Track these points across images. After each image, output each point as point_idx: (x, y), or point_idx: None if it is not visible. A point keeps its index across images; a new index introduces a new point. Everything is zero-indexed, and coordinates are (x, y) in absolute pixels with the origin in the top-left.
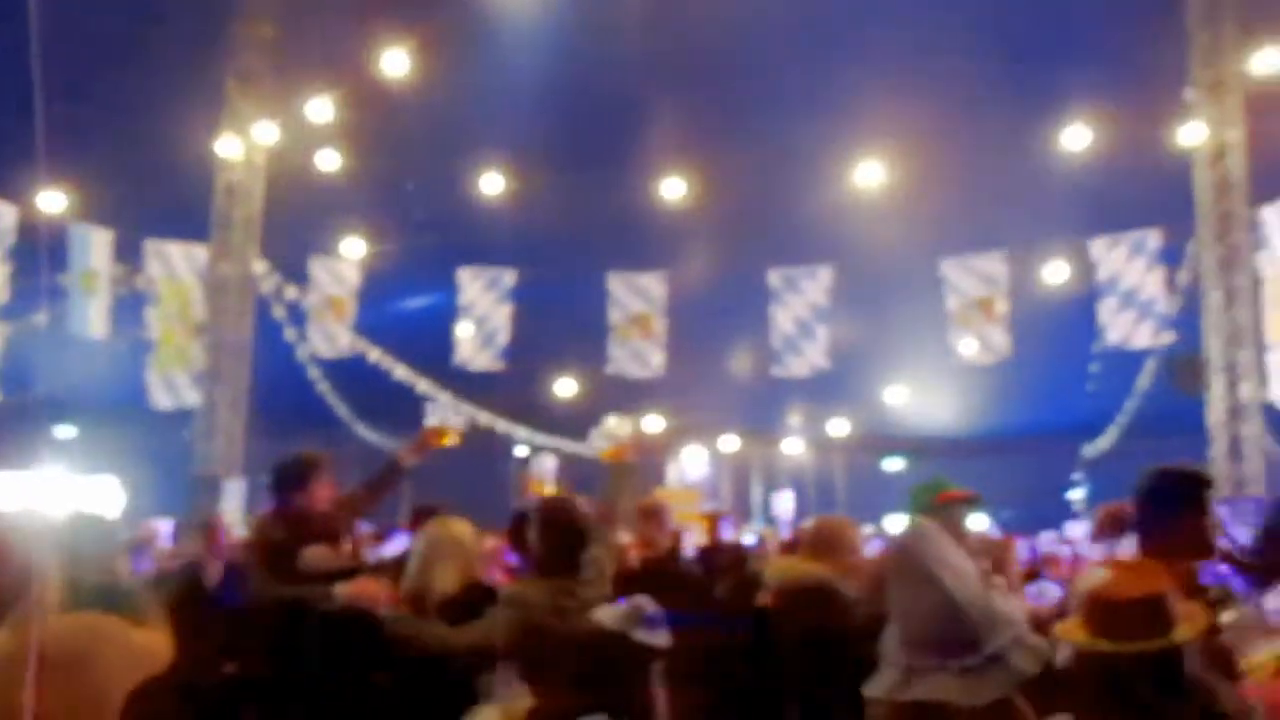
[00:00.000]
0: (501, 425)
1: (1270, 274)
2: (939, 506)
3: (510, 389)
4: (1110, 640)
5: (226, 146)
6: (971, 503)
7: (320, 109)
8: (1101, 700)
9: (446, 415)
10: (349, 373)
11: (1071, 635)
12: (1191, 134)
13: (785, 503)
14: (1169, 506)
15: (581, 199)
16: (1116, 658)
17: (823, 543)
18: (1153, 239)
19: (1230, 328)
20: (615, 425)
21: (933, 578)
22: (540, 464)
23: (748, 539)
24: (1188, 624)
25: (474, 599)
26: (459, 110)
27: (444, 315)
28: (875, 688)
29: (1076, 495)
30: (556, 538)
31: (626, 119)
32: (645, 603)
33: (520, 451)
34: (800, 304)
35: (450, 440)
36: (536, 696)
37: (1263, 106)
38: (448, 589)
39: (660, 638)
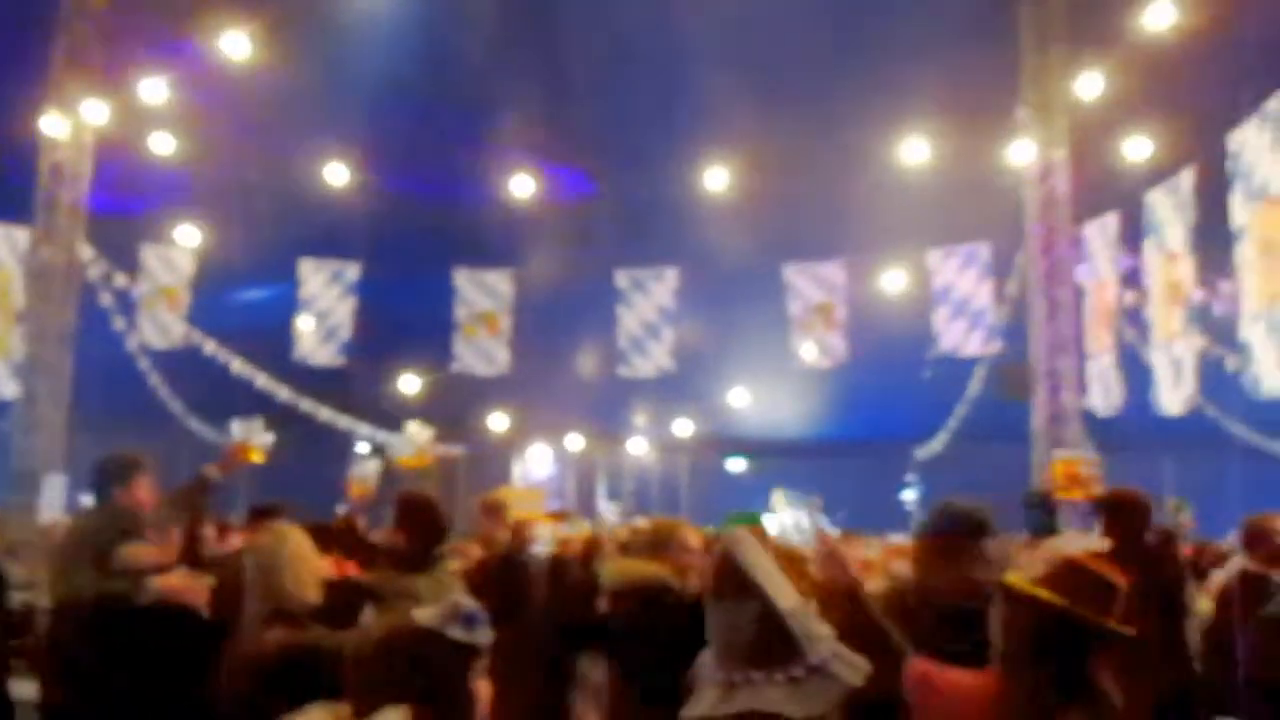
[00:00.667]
0: (343, 422)
1: (1091, 287)
2: None
3: (352, 385)
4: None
5: (52, 125)
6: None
7: (154, 89)
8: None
9: (252, 431)
10: (182, 365)
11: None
12: (1021, 152)
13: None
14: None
15: (429, 194)
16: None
17: (659, 543)
18: (984, 251)
19: (1053, 338)
20: (416, 432)
21: (754, 586)
22: (364, 464)
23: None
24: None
25: (348, 598)
26: (304, 97)
27: (284, 308)
28: (696, 707)
29: (909, 496)
30: (420, 532)
31: (476, 114)
32: (464, 600)
33: (362, 449)
34: (647, 305)
35: (256, 457)
36: (351, 694)
37: (1086, 128)
38: (304, 596)
39: (481, 635)
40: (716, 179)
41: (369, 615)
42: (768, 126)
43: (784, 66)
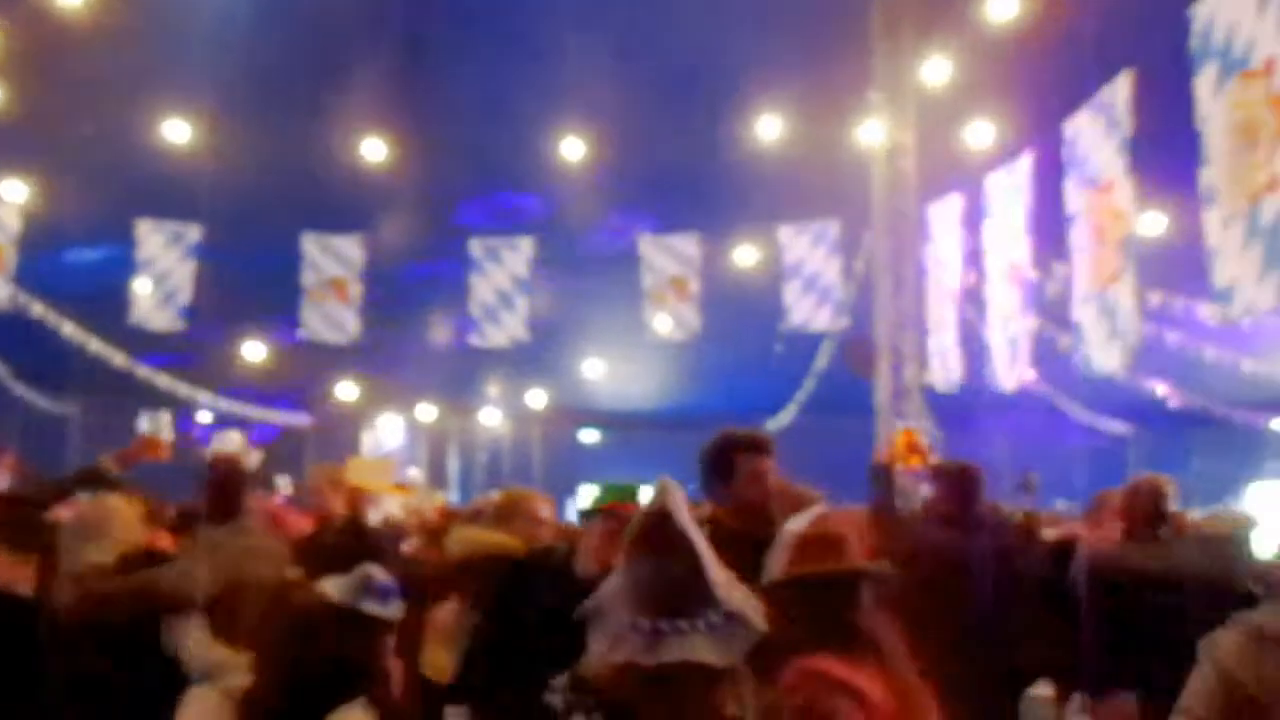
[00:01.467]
0: (183, 390)
1: (934, 267)
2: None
3: (193, 351)
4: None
5: None
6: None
7: None
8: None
9: (160, 426)
10: (8, 329)
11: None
12: (870, 133)
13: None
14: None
15: (276, 154)
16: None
17: (507, 513)
18: (833, 229)
19: (897, 315)
20: (152, 423)
21: (686, 540)
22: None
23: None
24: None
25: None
26: (143, 50)
27: (120, 270)
28: (615, 653)
29: None
30: (223, 487)
31: (326, 73)
32: (375, 571)
33: (204, 417)
34: (501, 274)
35: (164, 454)
36: (255, 671)
37: (933, 112)
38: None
39: (392, 609)
40: (573, 149)
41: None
42: (626, 98)
43: (644, 38)
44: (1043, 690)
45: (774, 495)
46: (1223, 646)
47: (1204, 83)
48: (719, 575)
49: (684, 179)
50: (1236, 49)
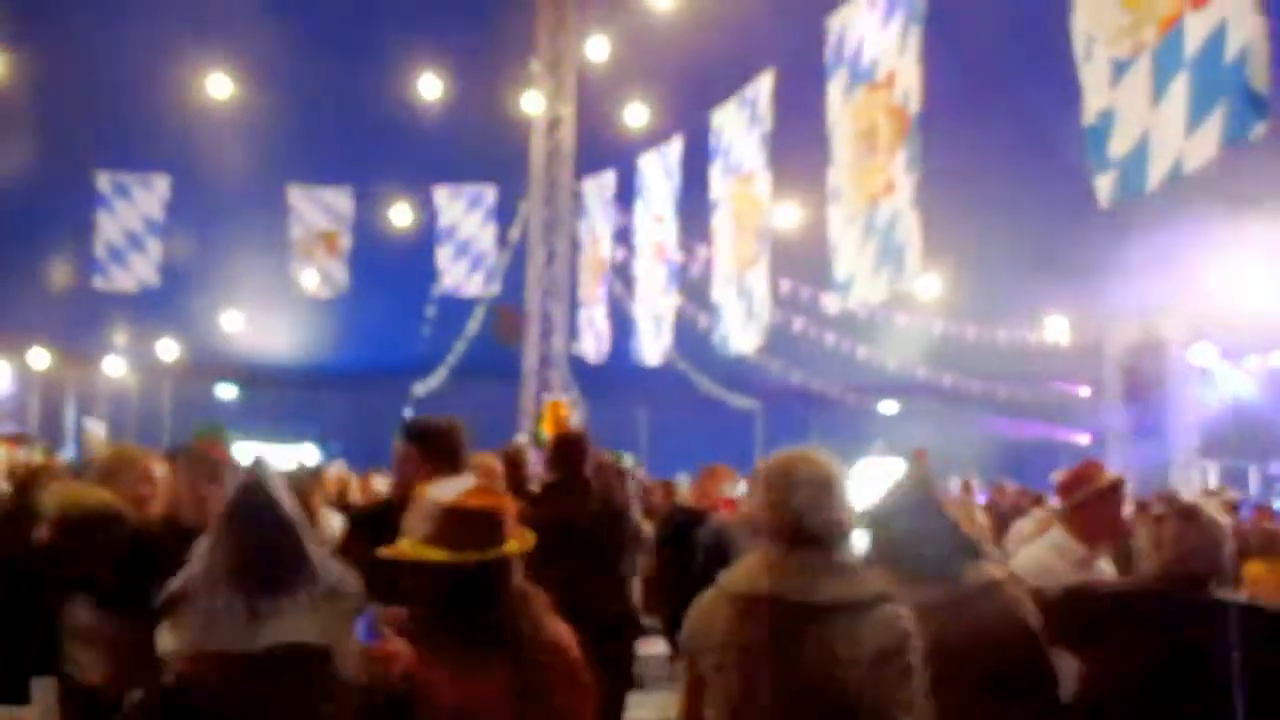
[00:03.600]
0: None
1: (587, 240)
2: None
3: None
4: (451, 550)
5: None
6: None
7: None
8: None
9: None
10: None
11: (412, 552)
12: (532, 103)
13: (97, 429)
14: None
15: None
16: (458, 567)
17: (113, 470)
18: (489, 195)
19: (549, 285)
20: None
21: (281, 507)
22: None
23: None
24: (517, 540)
25: None
26: None
27: None
28: (207, 638)
29: None
30: None
31: None
32: None
33: None
34: (131, 214)
35: None
36: None
37: (593, 88)
38: None
39: None
40: (220, 86)
41: None
42: (284, 41)
43: None
44: (659, 649)
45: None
46: (700, 605)
47: (835, 89)
48: (315, 548)
49: (340, 131)
50: (864, 61)
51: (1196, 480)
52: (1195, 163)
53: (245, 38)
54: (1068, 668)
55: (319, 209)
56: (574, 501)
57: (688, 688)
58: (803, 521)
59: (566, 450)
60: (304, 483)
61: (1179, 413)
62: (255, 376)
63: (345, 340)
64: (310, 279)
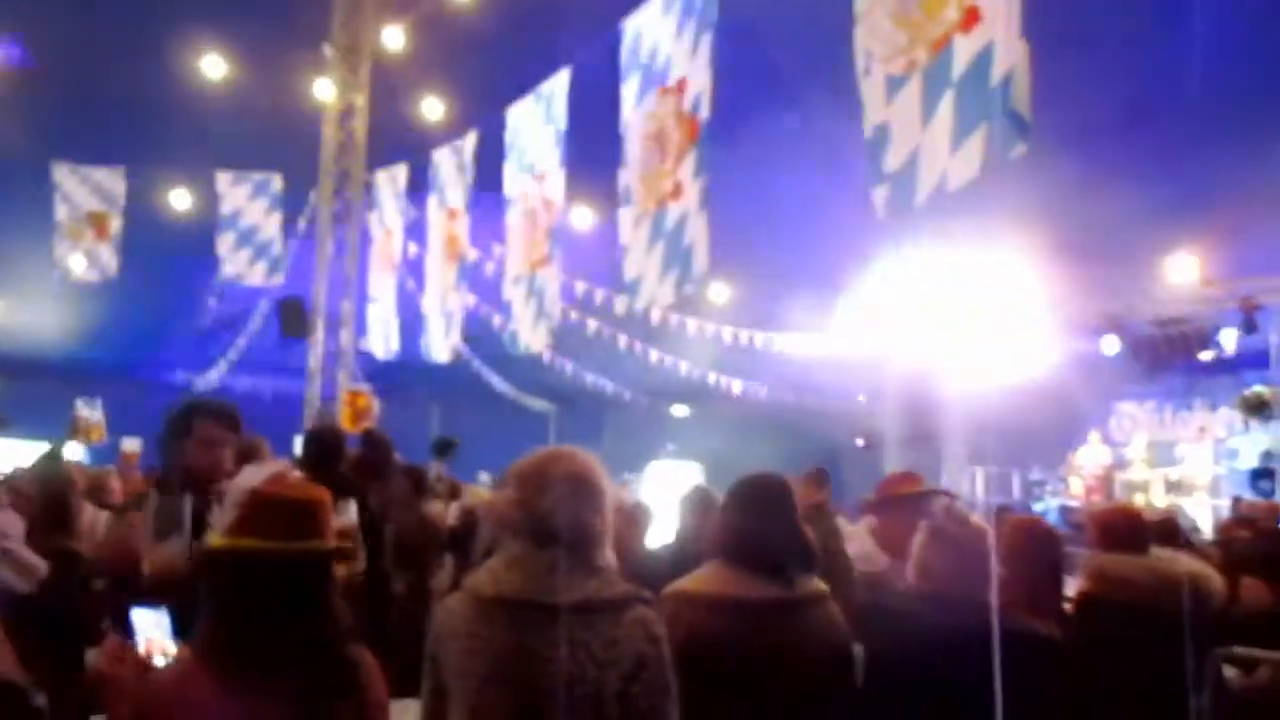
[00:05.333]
0: None
1: (378, 233)
2: None
3: None
4: (261, 539)
5: None
6: None
7: None
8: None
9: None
10: None
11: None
12: (324, 90)
13: None
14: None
15: None
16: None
17: None
18: (276, 183)
19: (337, 278)
20: None
21: None
22: None
23: None
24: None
25: None
26: None
27: None
28: None
29: None
30: None
31: None
32: None
33: None
34: None
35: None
36: None
37: (389, 78)
38: None
39: None
40: None
41: None
42: (58, 7)
43: None
44: None
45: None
46: (444, 607)
47: (628, 91)
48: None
49: (114, 107)
50: (658, 64)
51: (965, 486)
52: (959, 180)
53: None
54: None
55: (88, 189)
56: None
57: (429, 695)
58: (554, 521)
59: (372, 447)
60: (58, 478)
61: (950, 421)
62: (12, 368)
63: (116, 330)
64: (77, 263)
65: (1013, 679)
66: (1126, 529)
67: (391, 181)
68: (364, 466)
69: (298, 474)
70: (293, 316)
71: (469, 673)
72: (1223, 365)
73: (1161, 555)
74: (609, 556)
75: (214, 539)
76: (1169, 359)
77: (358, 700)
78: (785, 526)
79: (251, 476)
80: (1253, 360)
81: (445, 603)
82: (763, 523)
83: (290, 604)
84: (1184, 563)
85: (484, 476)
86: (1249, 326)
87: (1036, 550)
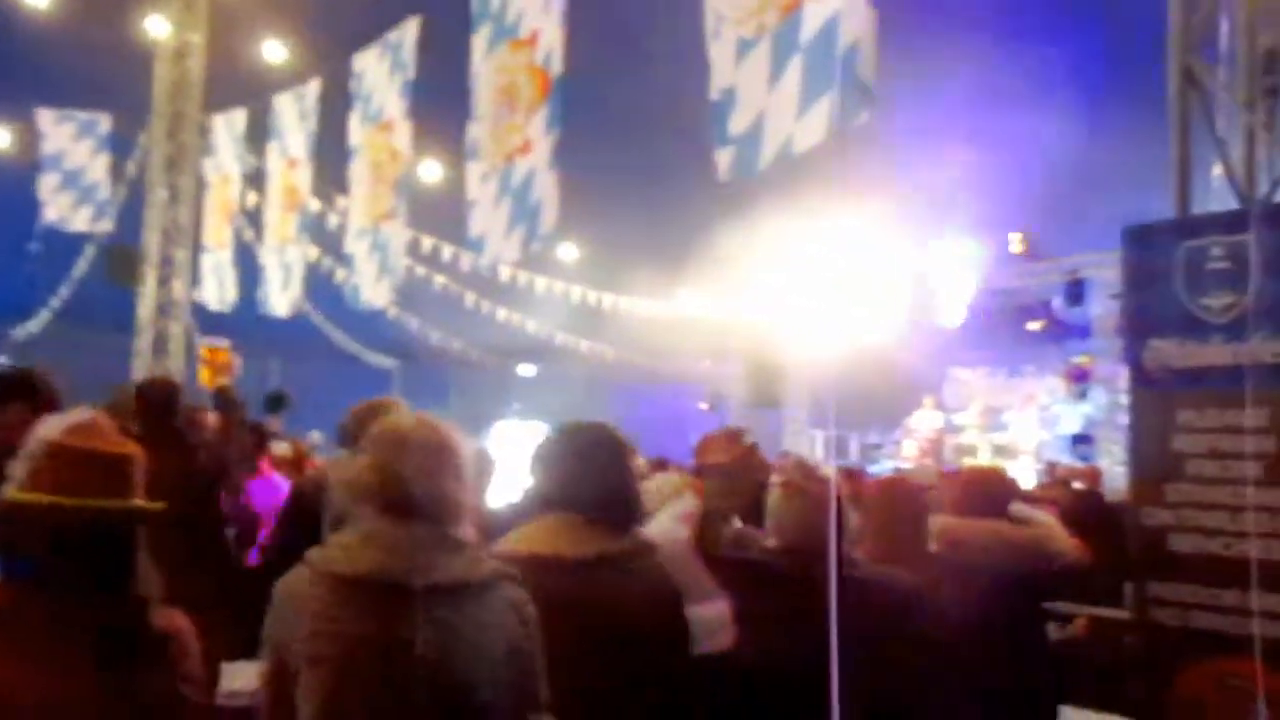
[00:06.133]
0: None
1: (214, 180)
2: None
3: None
4: (59, 494)
5: None
6: None
7: None
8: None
9: None
10: None
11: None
12: (157, 26)
13: None
14: None
15: None
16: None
17: None
18: (104, 123)
19: (170, 225)
20: None
21: None
22: None
23: None
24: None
25: None
26: None
27: None
28: None
29: None
30: None
31: None
32: None
33: None
34: None
35: None
36: None
37: (227, 18)
38: None
39: None
40: None
41: None
42: None
43: None
44: None
45: None
46: (288, 586)
47: (479, 42)
48: None
49: None
50: (509, 16)
51: (806, 447)
52: (804, 145)
53: None
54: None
55: None
56: (162, 458)
57: (271, 682)
58: (415, 491)
59: (153, 398)
60: None
61: (792, 386)
62: None
63: None
64: None
65: (875, 626)
66: (981, 492)
67: (229, 126)
68: (223, 428)
69: (106, 424)
70: (120, 264)
71: (321, 659)
72: (1049, 335)
73: (1019, 516)
74: (471, 530)
75: (5, 493)
76: (1000, 328)
77: (167, 674)
78: (614, 477)
79: (52, 426)
80: (1078, 331)
81: (288, 581)
82: (590, 474)
83: (91, 568)
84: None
85: (315, 436)
86: (1074, 299)
87: (898, 506)
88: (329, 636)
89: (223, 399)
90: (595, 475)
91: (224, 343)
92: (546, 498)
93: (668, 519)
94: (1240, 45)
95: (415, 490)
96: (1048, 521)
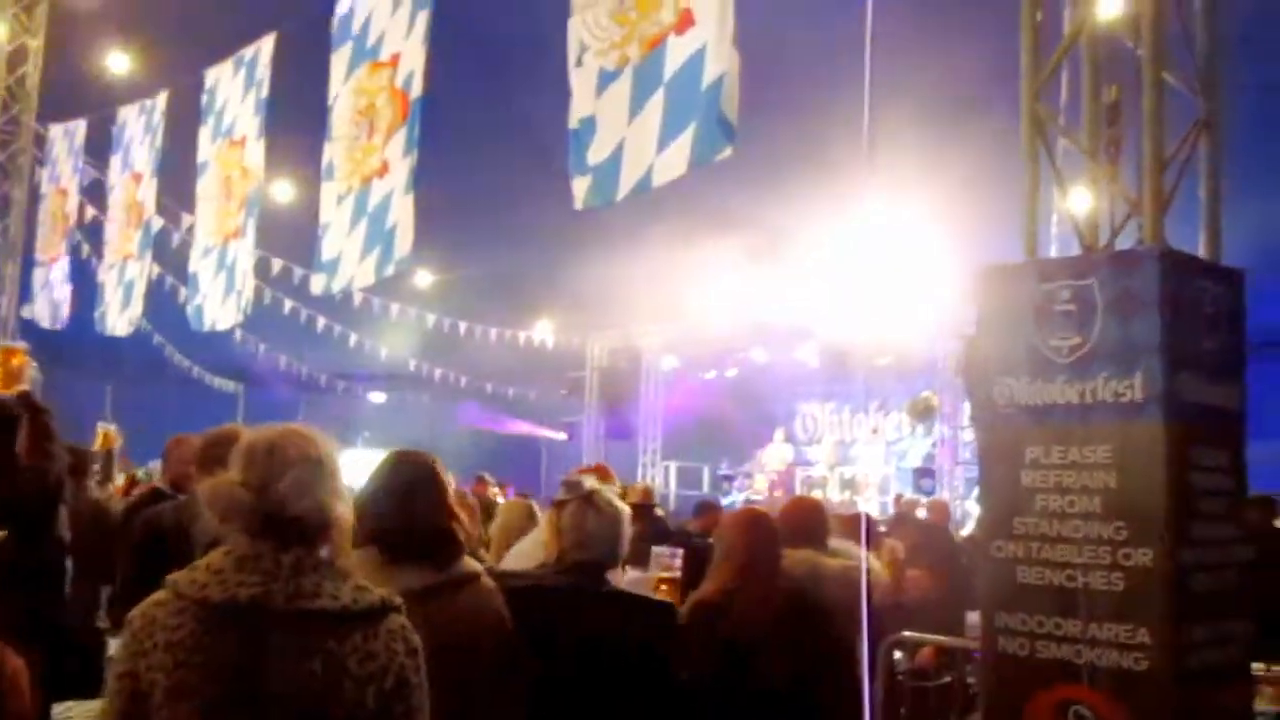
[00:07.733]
0: None
1: (50, 192)
2: None
3: None
4: None
5: None
6: None
7: None
8: None
9: None
10: None
11: None
12: None
13: None
14: None
15: None
16: None
17: None
18: None
19: (0, 238)
20: None
21: None
22: None
23: None
24: None
25: None
26: None
27: None
28: None
29: None
30: None
31: None
32: None
33: None
34: None
35: None
36: None
37: (69, 25)
38: None
39: None
40: None
41: None
42: None
43: None
44: None
45: None
46: (147, 614)
47: (338, 63)
48: None
49: None
50: (371, 38)
51: (659, 478)
52: (664, 178)
53: None
54: None
55: None
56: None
57: (118, 715)
58: (293, 511)
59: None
60: None
61: (647, 417)
62: None
63: None
64: None
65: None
66: (800, 524)
67: (68, 137)
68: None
69: None
70: None
71: (189, 693)
72: (895, 371)
73: (838, 549)
74: (353, 555)
75: None
76: (849, 364)
77: None
78: (430, 507)
79: None
80: (921, 367)
81: (147, 608)
82: (407, 504)
83: None
84: (853, 556)
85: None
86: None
87: (751, 538)
88: (200, 669)
89: (25, 405)
90: (398, 510)
91: (22, 345)
92: (368, 532)
93: (529, 544)
94: (1085, 96)
95: (295, 509)
96: (858, 553)
